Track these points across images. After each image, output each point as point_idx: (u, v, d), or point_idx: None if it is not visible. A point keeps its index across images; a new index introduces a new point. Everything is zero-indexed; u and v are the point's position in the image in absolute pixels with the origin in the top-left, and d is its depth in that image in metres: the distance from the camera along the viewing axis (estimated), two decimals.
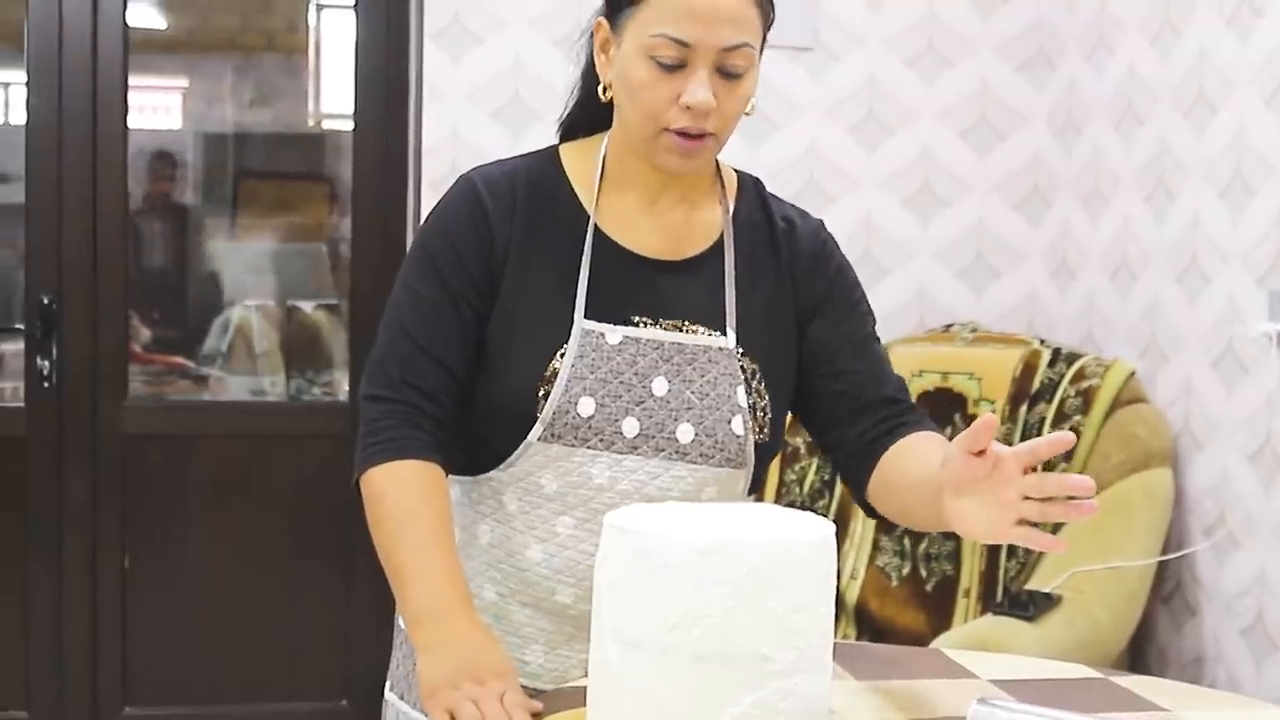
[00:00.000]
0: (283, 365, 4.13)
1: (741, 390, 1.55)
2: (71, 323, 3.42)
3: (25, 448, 3.41)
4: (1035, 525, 1.27)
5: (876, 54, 3.51)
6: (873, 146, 3.52)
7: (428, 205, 2.95)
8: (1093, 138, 3.38)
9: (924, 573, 3.04)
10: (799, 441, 3.18)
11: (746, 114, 1.53)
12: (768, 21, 1.52)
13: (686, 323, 1.56)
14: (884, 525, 2.72)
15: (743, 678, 1.12)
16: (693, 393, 1.53)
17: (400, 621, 1.63)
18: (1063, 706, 1.30)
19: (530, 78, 3.37)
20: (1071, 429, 3.00)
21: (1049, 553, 2.92)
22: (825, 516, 2.44)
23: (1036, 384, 3.10)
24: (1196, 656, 2.99)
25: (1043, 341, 3.23)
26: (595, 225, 1.56)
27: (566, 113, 1.66)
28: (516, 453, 1.53)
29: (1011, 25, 3.55)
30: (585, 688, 1.24)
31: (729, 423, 1.54)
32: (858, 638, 3.05)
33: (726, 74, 1.47)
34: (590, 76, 1.59)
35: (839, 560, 3.04)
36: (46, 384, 3.41)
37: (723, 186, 1.64)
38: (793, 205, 1.68)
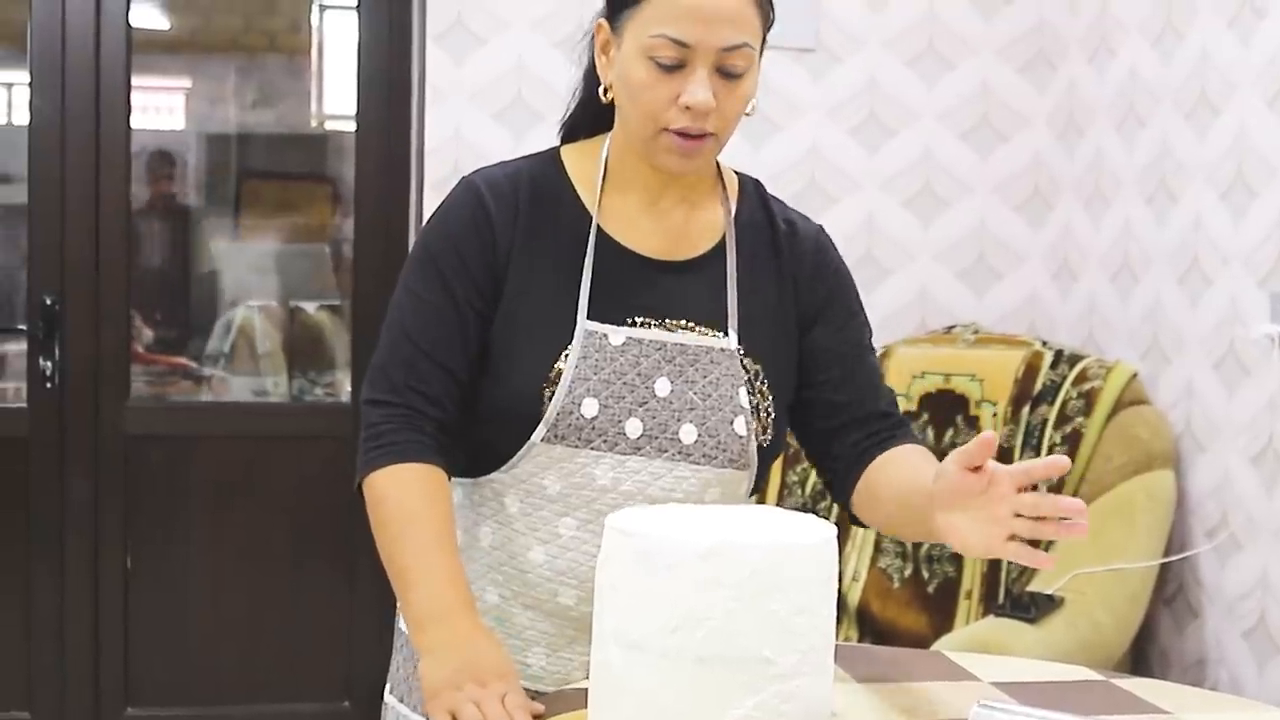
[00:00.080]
0: (285, 366, 4.13)
1: (744, 391, 1.55)
2: (74, 323, 3.42)
3: (27, 448, 3.42)
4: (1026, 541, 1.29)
5: (877, 55, 3.51)
6: (874, 148, 3.52)
7: (430, 206, 2.95)
8: (1094, 139, 3.38)
9: (926, 574, 3.04)
10: None
11: (747, 114, 1.53)
12: (768, 22, 1.52)
13: (689, 323, 1.56)
14: None
15: (744, 680, 1.13)
16: (695, 393, 1.54)
17: (400, 624, 1.63)
18: (1064, 709, 1.30)
19: (532, 79, 3.37)
20: (1073, 431, 3.00)
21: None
22: (827, 519, 2.43)
23: (1039, 385, 3.10)
24: (1199, 659, 2.99)
25: (1044, 343, 3.23)
26: (598, 226, 1.56)
27: (568, 114, 1.66)
28: (519, 454, 1.53)
29: (1013, 26, 3.55)
30: (587, 689, 1.24)
31: (731, 423, 1.54)
32: (859, 639, 3.05)
33: (726, 74, 1.47)
34: (592, 78, 1.60)
35: (841, 562, 3.04)
36: (49, 384, 3.41)
37: (724, 188, 1.64)
38: (792, 208, 1.68)
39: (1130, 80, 3.22)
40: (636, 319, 1.55)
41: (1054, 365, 3.12)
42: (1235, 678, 2.86)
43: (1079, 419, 3.01)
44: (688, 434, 1.53)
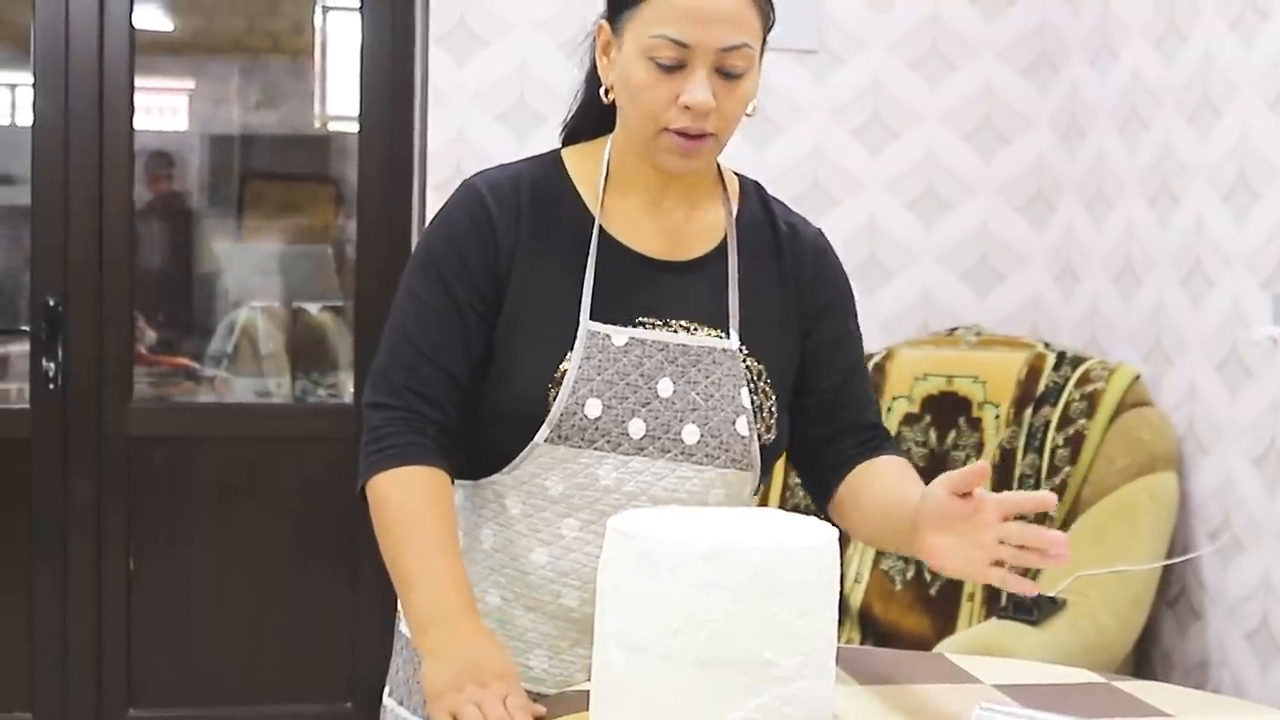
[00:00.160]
0: (288, 367, 4.13)
1: (745, 391, 1.56)
2: (77, 324, 3.42)
3: (30, 449, 3.42)
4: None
5: (880, 57, 3.51)
6: (877, 149, 3.52)
7: (433, 207, 2.96)
8: (1096, 141, 3.38)
9: (928, 576, 3.04)
10: None
11: (748, 115, 1.53)
12: (768, 23, 1.52)
13: (690, 323, 1.56)
14: None
15: (746, 682, 1.13)
16: (698, 394, 1.54)
17: (400, 627, 1.63)
18: (1066, 712, 1.30)
19: (535, 81, 3.37)
20: (1076, 433, 3.00)
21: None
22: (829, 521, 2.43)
23: (1041, 387, 3.10)
24: (1201, 661, 2.99)
25: (1047, 345, 3.23)
26: (600, 227, 1.57)
27: (570, 116, 1.67)
28: (522, 455, 1.53)
29: (1015, 28, 3.55)
30: (588, 691, 1.24)
31: (733, 423, 1.55)
32: (862, 642, 3.05)
33: (726, 74, 1.48)
34: (593, 79, 1.60)
35: (843, 564, 3.04)
36: (52, 385, 3.42)
37: (725, 189, 1.64)
38: (792, 210, 1.69)
39: (1133, 82, 3.22)
40: (639, 319, 1.55)
41: (1056, 367, 3.12)
42: (1238, 680, 2.85)
43: (1081, 421, 3.01)
44: (690, 434, 1.53)
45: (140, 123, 3.52)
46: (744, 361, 1.57)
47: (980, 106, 3.55)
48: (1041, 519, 2.96)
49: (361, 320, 3.60)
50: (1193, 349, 3.02)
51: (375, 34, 3.53)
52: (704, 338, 1.56)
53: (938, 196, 3.55)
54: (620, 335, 1.53)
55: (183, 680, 3.51)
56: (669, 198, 1.59)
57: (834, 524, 1.62)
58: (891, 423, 3.17)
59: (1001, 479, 3.04)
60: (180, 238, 4.32)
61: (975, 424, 3.12)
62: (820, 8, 3.46)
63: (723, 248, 1.61)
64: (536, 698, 1.39)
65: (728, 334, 1.57)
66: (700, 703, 1.13)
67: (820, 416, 1.63)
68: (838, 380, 1.63)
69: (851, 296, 1.68)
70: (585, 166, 1.60)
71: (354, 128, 3.64)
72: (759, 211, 1.65)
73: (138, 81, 3.46)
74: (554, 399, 1.50)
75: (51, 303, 3.41)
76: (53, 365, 3.41)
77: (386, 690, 1.68)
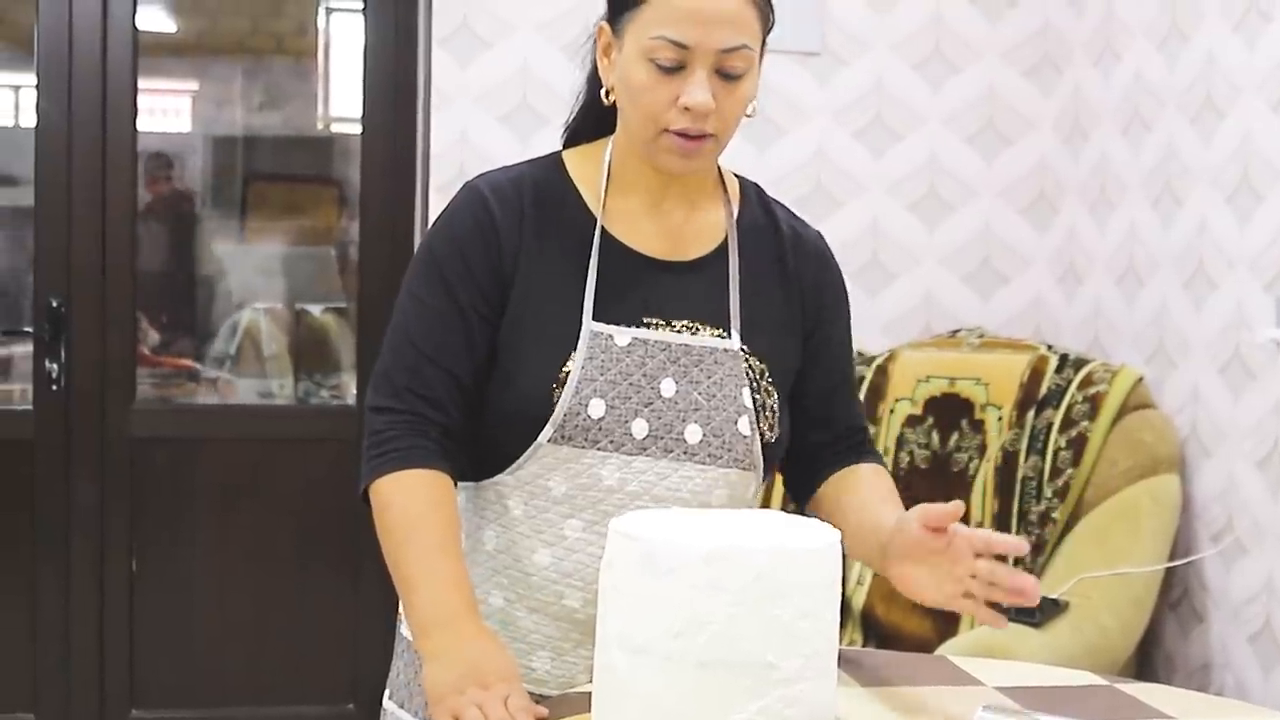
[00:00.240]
0: (291, 368, 4.13)
1: (747, 391, 1.56)
2: (80, 326, 3.42)
3: (33, 450, 3.42)
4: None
5: (883, 59, 3.51)
6: (879, 151, 3.52)
7: (435, 209, 2.96)
8: (1099, 143, 3.38)
9: None
10: None
11: (748, 116, 1.54)
12: (767, 24, 1.53)
13: (692, 323, 1.57)
14: None
15: (748, 684, 1.13)
16: (700, 394, 1.54)
17: (401, 630, 1.63)
18: (1068, 714, 1.30)
19: (538, 82, 3.37)
20: (1079, 435, 3.00)
21: (1051, 565, 2.92)
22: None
23: (1044, 389, 3.09)
24: (1204, 663, 2.99)
25: (1050, 347, 3.23)
26: (602, 227, 1.57)
27: (571, 118, 1.67)
28: (525, 455, 1.53)
29: (1018, 30, 3.55)
30: (590, 693, 1.24)
31: (736, 423, 1.55)
32: (864, 644, 3.05)
33: (725, 76, 1.48)
34: (594, 81, 1.61)
35: (845, 566, 3.04)
36: (55, 387, 3.42)
37: (725, 190, 1.65)
38: (793, 212, 1.69)
39: (1135, 84, 3.22)
40: (642, 320, 1.55)
41: (1059, 369, 3.12)
42: (1240, 682, 2.85)
43: (1084, 423, 3.01)
44: (693, 434, 1.53)
45: (143, 124, 3.53)
46: (746, 361, 1.57)
47: (983, 108, 3.55)
48: (1041, 522, 2.95)
49: (364, 322, 3.60)
50: (1196, 351, 3.02)
51: (378, 35, 3.54)
52: (706, 338, 1.56)
53: (940, 198, 3.55)
54: (623, 335, 1.54)
55: (185, 681, 3.51)
56: (670, 198, 1.60)
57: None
58: (894, 425, 3.17)
59: (1004, 481, 3.04)
60: (183, 239, 4.31)
61: (978, 426, 3.12)
62: (823, 10, 3.46)
63: (723, 248, 1.61)
64: (539, 699, 1.39)
65: (729, 334, 1.58)
66: (702, 705, 1.13)
67: (810, 417, 1.65)
68: (831, 383, 1.66)
69: (848, 302, 1.71)
70: (586, 168, 1.60)
71: (357, 129, 3.65)
72: (760, 213, 1.65)
73: (141, 83, 3.47)
74: (558, 399, 1.50)
75: (54, 304, 3.41)
76: (55, 366, 3.42)
77: (387, 693, 1.68)
